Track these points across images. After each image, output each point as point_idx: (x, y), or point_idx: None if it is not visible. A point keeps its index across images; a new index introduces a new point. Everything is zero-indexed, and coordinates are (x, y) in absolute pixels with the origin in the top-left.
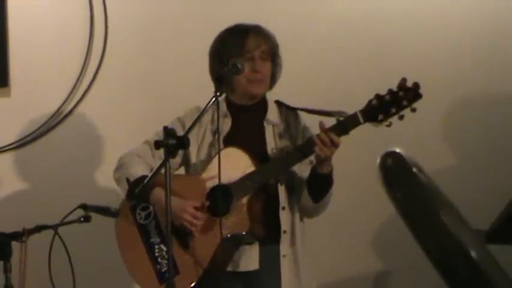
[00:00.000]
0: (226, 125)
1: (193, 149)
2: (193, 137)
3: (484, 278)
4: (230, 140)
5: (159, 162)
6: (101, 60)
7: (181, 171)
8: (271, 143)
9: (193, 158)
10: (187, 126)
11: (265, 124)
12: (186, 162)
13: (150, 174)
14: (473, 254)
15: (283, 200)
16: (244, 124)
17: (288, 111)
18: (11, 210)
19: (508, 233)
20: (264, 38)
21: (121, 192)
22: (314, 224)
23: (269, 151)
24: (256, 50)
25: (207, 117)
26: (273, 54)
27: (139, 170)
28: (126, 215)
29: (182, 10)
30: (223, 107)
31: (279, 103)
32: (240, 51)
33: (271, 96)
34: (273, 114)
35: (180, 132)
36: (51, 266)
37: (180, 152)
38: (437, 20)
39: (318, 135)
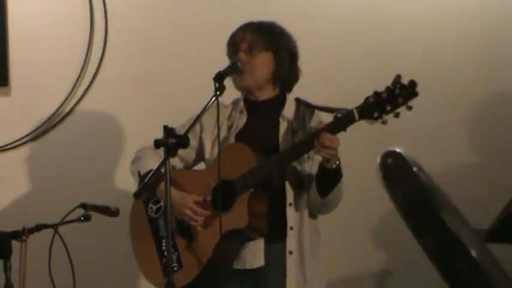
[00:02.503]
0: (241, 120)
1: (208, 145)
2: (208, 133)
3: (483, 277)
4: (243, 136)
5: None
6: (100, 60)
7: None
8: (285, 138)
9: (207, 154)
10: (204, 124)
11: (280, 120)
12: (202, 157)
13: (151, 172)
14: (473, 252)
15: (290, 196)
16: (259, 120)
17: (305, 109)
18: (11, 209)
19: (507, 232)
20: (251, 30)
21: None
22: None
23: (281, 147)
24: (241, 42)
25: (224, 114)
26: (267, 46)
27: (150, 163)
28: (139, 207)
29: (182, 9)
30: (241, 104)
31: (298, 100)
32: (229, 46)
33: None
34: (289, 110)
35: (197, 129)
36: (51, 265)
37: (194, 147)
38: (438, 19)
39: (316, 139)
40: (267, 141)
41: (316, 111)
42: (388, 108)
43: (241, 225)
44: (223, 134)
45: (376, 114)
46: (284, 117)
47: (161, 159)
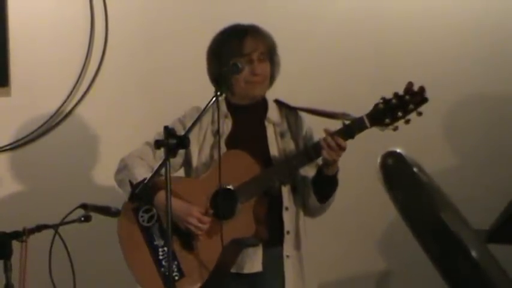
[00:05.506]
0: (227, 125)
1: (194, 151)
2: (194, 139)
3: (484, 277)
4: (232, 141)
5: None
6: (101, 61)
7: (181, 172)
8: (273, 142)
9: (194, 160)
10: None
11: (266, 123)
12: (187, 163)
13: (151, 174)
14: (473, 253)
15: (286, 200)
16: (245, 124)
17: (288, 111)
18: (11, 209)
19: (508, 232)
20: (261, 39)
21: (123, 194)
22: (315, 223)
23: (271, 150)
24: (254, 52)
25: (207, 118)
26: (271, 53)
27: (142, 172)
28: (129, 217)
29: (182, 9)
30: (224, 107)
31: (278, 102)
32: (238, 53)
33: (270, 95)
34: (273, 113)
35: (181, 133)
36: (51, 266)
37: (181, 153)
38: (438, 20)
39: (324, 140)
40: (256, 145)
41: (299, 113)
42: (400, 114)
43: (248, 233)
44: (209, 140)
45: (387, 121)
46: (270, 121)
47: (150, 168)
